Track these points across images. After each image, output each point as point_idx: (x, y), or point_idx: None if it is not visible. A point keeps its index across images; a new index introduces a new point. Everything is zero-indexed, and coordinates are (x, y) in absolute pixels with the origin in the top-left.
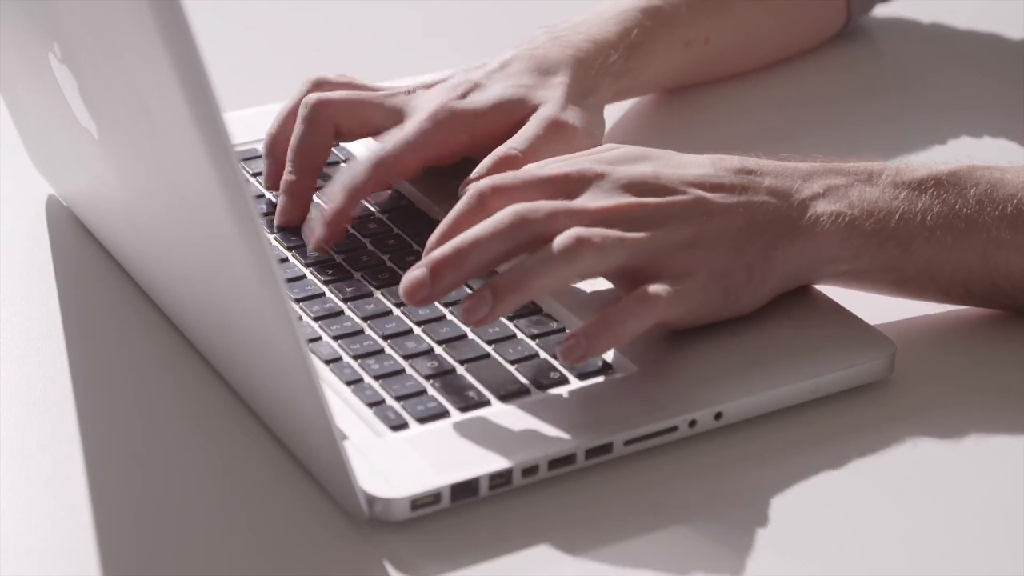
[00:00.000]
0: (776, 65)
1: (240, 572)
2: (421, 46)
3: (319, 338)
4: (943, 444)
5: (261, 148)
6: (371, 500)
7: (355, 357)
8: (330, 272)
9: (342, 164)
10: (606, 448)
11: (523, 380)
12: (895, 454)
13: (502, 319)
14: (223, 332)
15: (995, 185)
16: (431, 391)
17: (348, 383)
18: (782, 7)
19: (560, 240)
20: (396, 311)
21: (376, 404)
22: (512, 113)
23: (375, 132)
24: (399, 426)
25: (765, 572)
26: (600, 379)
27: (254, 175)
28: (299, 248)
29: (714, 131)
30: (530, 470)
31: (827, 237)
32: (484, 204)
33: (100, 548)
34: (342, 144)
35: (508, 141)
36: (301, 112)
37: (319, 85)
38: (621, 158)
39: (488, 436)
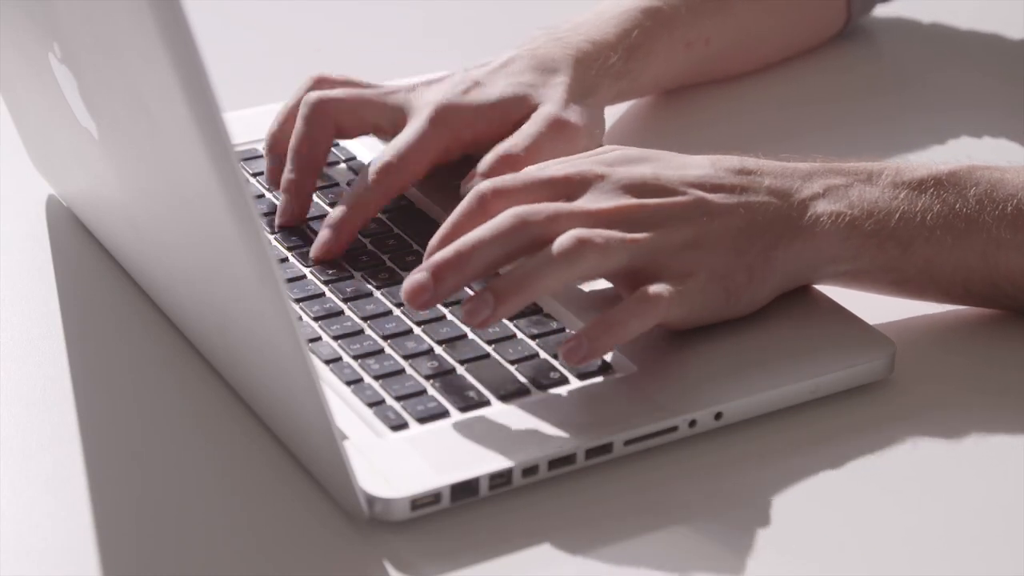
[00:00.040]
0: (776, 65)
1: (240, 572)
2: (421, 46)
3: (319, 338)
4: (943, 444)
5: (262, 147)
6: (371, 500)
7: (355, 357)
8: (330, 272)
9: (341, 164)
10: (606, 448)
11: (523, 380)
12: (895, 454)
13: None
14: (223, 332)
15: (995, 185)
16: (431, 391)
17: (348, 383)
18: (782, 7)
19: (561, 241)
20: (396, 311)
21: (376, 404)
22: (513, 111)
23: (376, 131)
24: (399, 426)
25: (765, 572)
26: (600, 379)
27: (254, 175)
28: (299, 248)
29: (714, 131)
30: (530, 470)
31: (827, 237)
32: (485, 206)
33: (100, 548)
34: (342, 143)
35: (509, 138)
36: (302, 111)
37: (320, 83)
38: (621, 159)
39: (488, 436)
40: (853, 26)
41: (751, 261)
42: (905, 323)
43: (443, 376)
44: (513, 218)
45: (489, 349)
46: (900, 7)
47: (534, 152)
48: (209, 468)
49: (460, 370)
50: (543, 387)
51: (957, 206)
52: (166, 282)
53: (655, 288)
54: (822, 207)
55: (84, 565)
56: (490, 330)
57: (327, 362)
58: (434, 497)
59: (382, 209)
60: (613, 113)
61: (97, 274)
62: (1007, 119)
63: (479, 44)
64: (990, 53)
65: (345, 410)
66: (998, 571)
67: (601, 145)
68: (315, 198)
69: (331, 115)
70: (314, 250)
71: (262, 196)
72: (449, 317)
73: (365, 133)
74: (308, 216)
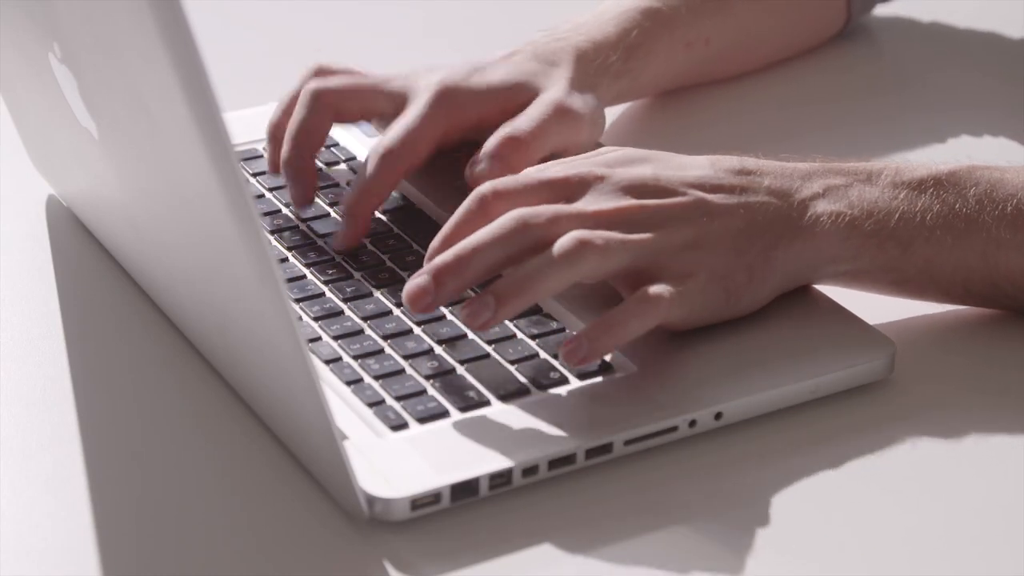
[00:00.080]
0: (776, 65)
1: (240, 572)
2: (421, 46)
3: (319, 338)
4: (943, 444)
5: (265, 138)
6: (371, 500)
7: (355, 357)
8: (330, 272)
9: (342, 164)
10: (606, 448)
11: (523, 380)
12: (895, 454)
13: None
14: (223, 332)
15: (995, 185)
16: (431, 391)
17: (348, 383)
18: (782, 7)
19: (562, 243)
20: (396, 311)
21: (376, 404)
22: (516, 96)
23: (377, 116)
24: (399, 426)
25: (765, 572)
26: (600, 379)
27: (254, 175)
28: (299, 248)
29: (714, 131)
30: (530, 470)
31: (827, 237)
32: (485, 208)
33: (100, 548)
34: (341, 143)
35: (513, 120)
36: (301, 98)
37: (320, 72)
38: (620, 160)
39: (488, 436)
40: (853, 26)
41: (751, 261)
42: (905, 323)
43: (443, 376)
44: (513, 220)
45: (489, 349)
46: (900, 6)
47: (539, 135)
48: (209, 468)
49: (460, 370)
50: (543, 387)
51: (957, 206)
52: (166, 282)
53: (655, 289)
54: (822, 207)
55: (84, 565)
56: (490, 330)
57: (327, 362)
58: (434, 497)
59: (388, 195)
60: (613, 113)
61: (97, 274)
62: (1007, 119)
63: (479, 44)
64: (990, 53)
65: (345, 410)
66: (998, 571)
67: (602, 139)
68: (317, 199)
69: (331, 103)
70: (335, 242)
71: (262, 196)
72: (449, 317)
73: (366, 118)
74: (308, 217)
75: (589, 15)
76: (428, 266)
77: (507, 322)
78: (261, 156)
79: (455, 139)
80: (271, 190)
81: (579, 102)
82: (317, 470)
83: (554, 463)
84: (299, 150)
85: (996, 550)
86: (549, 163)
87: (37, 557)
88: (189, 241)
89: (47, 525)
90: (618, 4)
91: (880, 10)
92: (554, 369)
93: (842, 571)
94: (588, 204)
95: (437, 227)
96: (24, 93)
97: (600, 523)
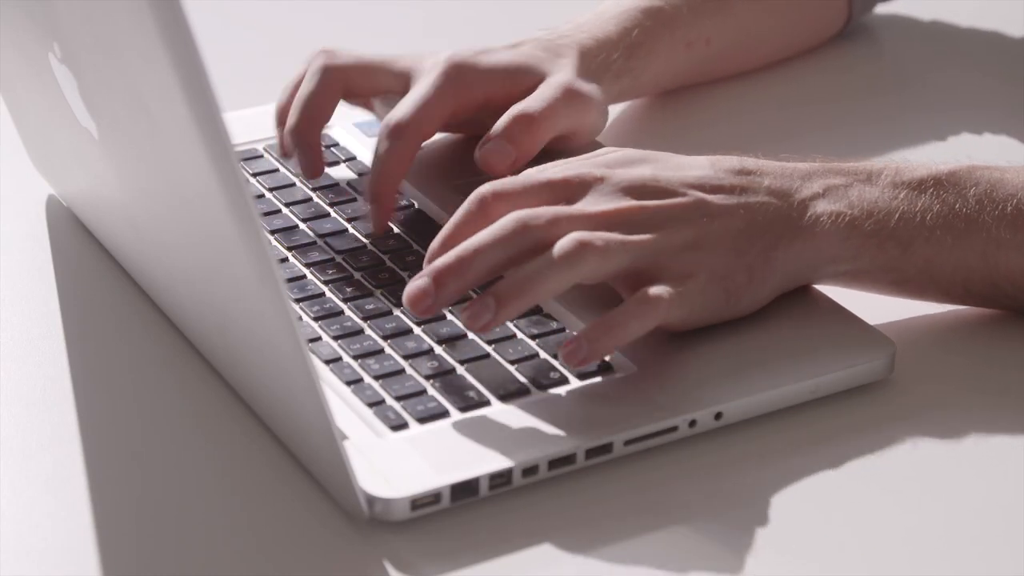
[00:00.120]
0: (776, 65)
1: (240, 572)
2: (421, 46)
3: (319, 338)
4: (943, 444)
5: (274, 117)
6: (371, 500)
7: (355, 357)
8: (330, 272)
9: (342, 164)
10: (606, 448)
11: (523, 380)
12: (895, 454)
13: None
14: (223, 332)
15: (995, 185)
16: (431, 391)
17: (348, 383)
18: (782, 7)
19: (562, 245)
20: (396, 311)
21: (376, 404)
22: (523, 78)
23: (383, 93)
24: (399, 426)
25: (765, 572)
26: (600, 379)
27: (254, 175)
28: (299, 248)
29: (714, 131)
30: (530, 470)
31: (827, 237)
32: (485, 209)
33: (100, 548)
34: (341, 144)
35: (524, 101)
36: (309, 74)
37: (326, 52)
38: (620, 161)
39: (488, 436)
40: (854, 25)
41: (751, 262)
42: (905, 323)
43: (443, 376)
44: (514, 222)
45: (489, 349)
46: (900, 5)
47: (549, 115)
48: (209, 468)
49: (460, 370)
50: (543, 387)
51: (957, 206)
52: (166, 282)
53: (655, 290)
54: (822, 207)
55: (84, 565)
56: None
57: (327, 362)
58: (434, 497)
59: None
60: (613, 112)
61: (97, 274)
62: (1007, 119)
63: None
64: (990, 52)
65: (345, 410)
66: (998, 571)
67: (601, 139)
68: (316, 199)
69: (339, 78)
70: (370, 228)
71: (262, 196)
72: (449, 317)
73: (374, 94)
74: (308, 217)
75: (590, 14)
76: (428, 268)
77: (507, 322)
78: (261, 156)
79: (460, 119)
80: (271, 190)
81: (587, 86)
82: (317, 470)
83: (554, 463)
84: (307, 122)
85: (996, 550)
86: (548, 164)
87: (37, 557)
88: (189, 241)
89: (47, 525)
90: (619, 3)
91: (880, 9)
92: (554, 369)
93: (842, 571)
94: (588, 205)
95: (437, 227)
96: (24, 93)
97: (600, 523)
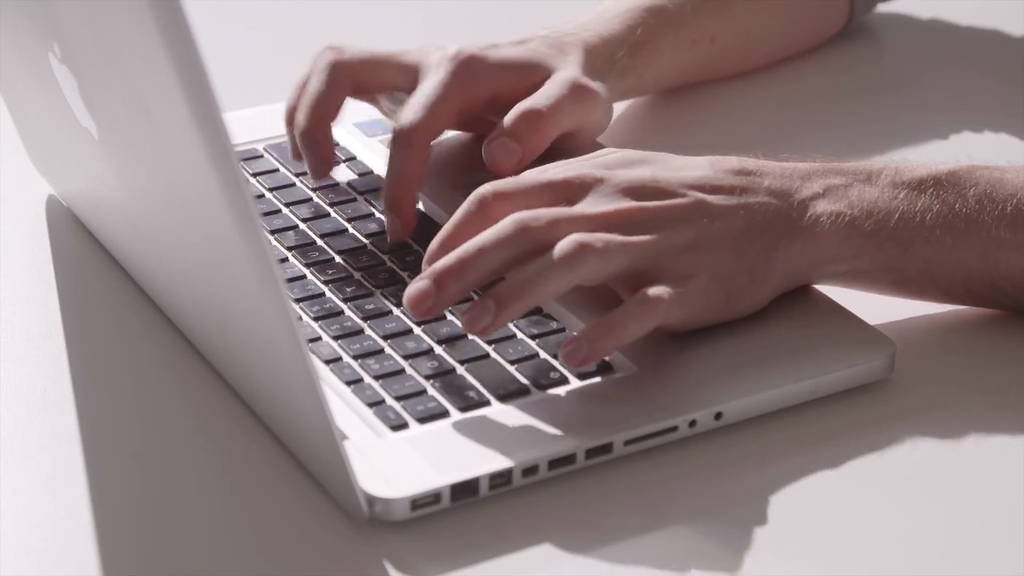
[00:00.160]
0: (776, 65)
1: (240, 572)
2: None
3: (319, 338)
4: (943, 444)
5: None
6: (371, 500)
7: (355, 357)
8: (330, 272)
9: (342, 164)
10: (606, 448)
11: (523, 380)
12: (895, 454)
13: None
14: (223, 332)
15: (995, 185)
16: (431, 391)
17: (348, 383)
18: (782, 7)
19: (562, 246)
20: (396, 311)
21: (376, 404)
22: (530, 74)
23: (391, 89)
24: (399, 426)
25: (765, 572)
26: (600, 379)
27: (254, 175)
28: (299, 248)
29: (714, 131)
30: (530, 470)
31: (827, 237)
32: (485, 210)
33: (100, 548)
34: (342, 144)
35: (531, 97)
36: (316, 71)
37: (333, 49)
38: (620, 162)
39: (488, 436)
40: (856, 24)
41: (752, 262)
42: (905, 323)
43: (443, 376)
44: (514, 224)
45: (489, 349)
46: (900, 4)
47: (555, 111)
48: (209, 468)
49: (460, 370)
50: (543, 387)
51: (957, 206)
52: (166, 282)
53: (655, 290)
54: (822, 207)
55: (84, 565)
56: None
57: (327, 362)
58: (434, 497)
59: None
60: (614, 111)
61: (97, 274)
62: (1007, 118)
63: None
64: (990, 52)
65: (345, 410)
66: (998, 571)
67: (602, 138)
68: (316, 199)
69: (347, 75)
70: (389, 235)
71: (262, 196)
72: (449, 317)
73: (382, 90)
74: (308, 217)
75: (591, 14)
76: (429, 270)
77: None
78: (261, 156)
79: (467, 115)
80: (271, 190)
81: (594, 83)
82: (317, 470)
83: (554, 463)
84: (316, 121)
85: (996, 550)
86: (549, 165)
87: (37, 557)
88: (189, 241)
89: (47, 525)
90: (621, 2)
91: (881, 8)
92: (554, 369)
93: (842, 571)
94: (588, 206)
95: (437, 227)
96: (24, 93)
97: (600, 523)
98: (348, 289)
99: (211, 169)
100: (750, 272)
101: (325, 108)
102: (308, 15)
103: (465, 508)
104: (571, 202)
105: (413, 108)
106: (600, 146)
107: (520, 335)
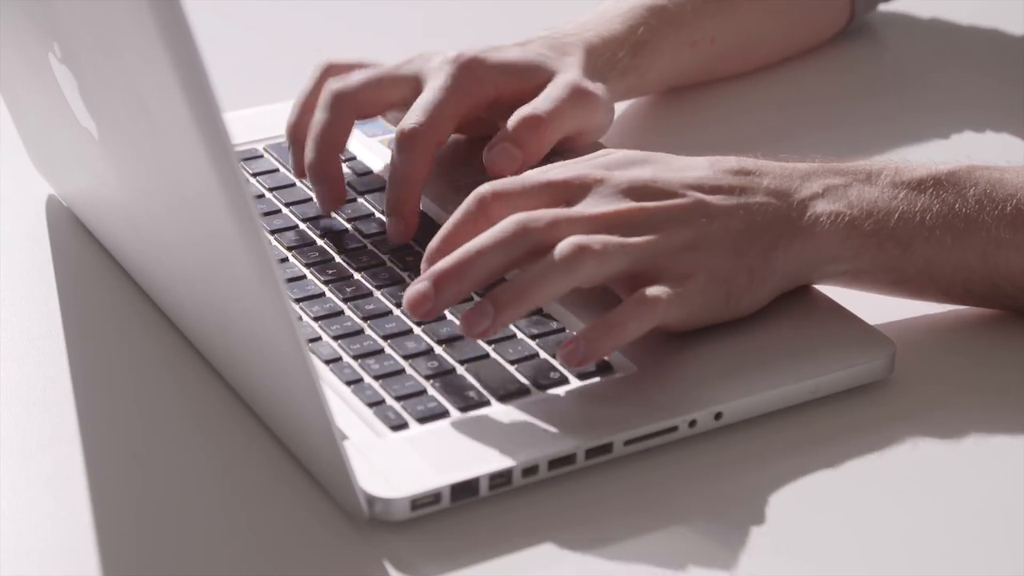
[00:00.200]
0: (776, 65)
1: (240, 572)
2: (421, 46)
3: (319, 338)
4: (943, 444)
5: (285, 135)
6: (371, 500)
7: (355, 357)
8: (330, 272)
9: (343, 164)
10: (606, 448)
11: (523, 380)
12: (895, 454)
13: None
14: (223, 332)
15: (994, 185)
16: (431, 391)
17: (348, 383)
18: (783, 7)
19: (560, 249)
20: (396, 311)
21: (376, 404)
22: (532, 76)
23: (395, 106)
24: (399, 426)
25: (764, 572)
26: (600, 379)
27: (254, 175)
28: (299, 248)
29: (714, 131)
30: (530, 470)
31: (827, 237)
32: (484, 210)
33: (100, 548)
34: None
35: (532, 102)
36: (322, 101)
37: (332, 70)
38: (619, 162)
39: (488, 436)
40: (857, 24)
41: (751, 263)
42: (905, 323)
43: (443, 376)
44: (513, 225)
45: (489, 349)
46: (900, 4)
47: (556, 116)
48: (209, 468)
49: (460, 370)
50: (543, 387)
51: (956, 206)
52: (166, 282)
53: (653, 290)
54: (821, 207)
55: (84, 565)
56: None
57: (327, 362)
58: (434, 497)
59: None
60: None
61: (97, 274)
62: (1007, 118)
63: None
64: (990, 52)
65: (345, 410)
66: (998, 571)
67: (603, 138)
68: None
69: (352, 104)
70: (389, 238)
71: (262, 196)
72: (449, 317)
73: (387, 110)
74: (308, 217)
75: (592, 14)
76: (428, 272)
77: None
78: (261, 156)
79: (471, 118)
80: (271, 190)
81: (595, 86)
82: (317, 470)
83: (554, 463)
84: (324, 154)
85: (996, 550)
86: (548, 166)
87: (37, 557)
88: (189, 241)
89: (47, 525)
90: (621, 2)
91: (881, 7)
92: (554, 369)
93: (841, 571)
94: (587, 207)
95: (437, 227)
96: (24, 93)
97: (600, 523)
98: (348, 289)
99: (211, 169)
100: (750, 272)
101: (332, 141)
102: (308, 15)
103: (465, 508)
104: (571, 203)
105: (416, 112)
106: (601, 146)
107: (520, 335)
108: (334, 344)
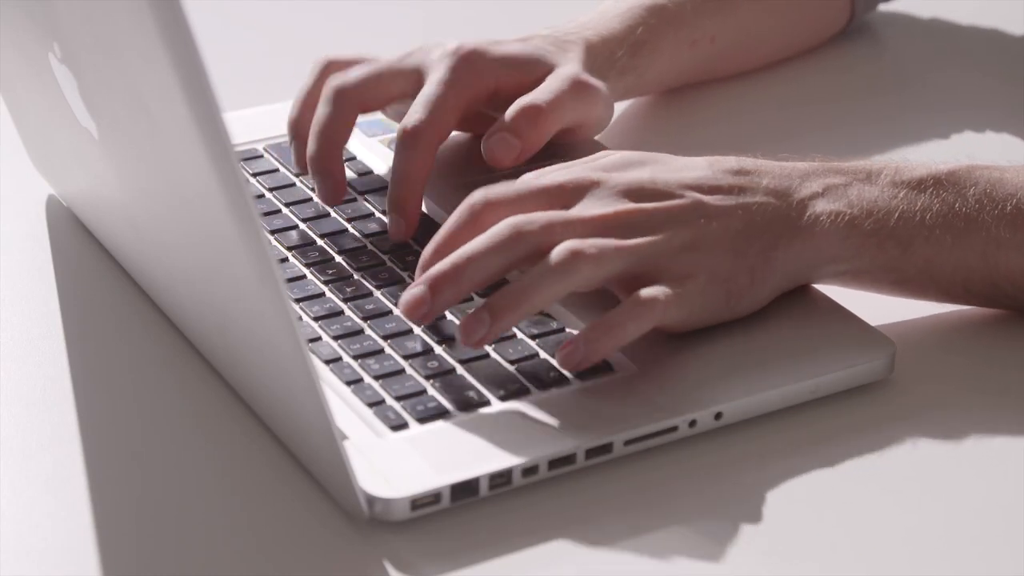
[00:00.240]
0: (776, 65)
1: (240, 572)
2: None
3: (319, 338)
4: (943, 444)
5: (287, 131)
6: (371, 500)
7: (355, 357)
8: (330, 272)
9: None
10: (606, 448)
11: (523, 380)
12: (895, 454)
13: None
14: (223, 332)
15: (994, 184)
16: (431, 391)
17: (348, 383)
18: (783, 7)
19: (556, 254)
20: (396, 311)
21: (376, 404)
22: (532, 68)
23: (396, 99)
24: (399, 426)
25: (765, 572)
26: (600, 379)
27: (254, 175)
28: (299, 248)
29: (714, 131)
30: (530, 470)
31: (826, 236)
32: (478, 217)
33: (100, 548)
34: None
35: (532, 92)
36: (324, 96)
37: (333, 66)
38: (617, 164)
39: (488, 436)
40: (857, 24)
41: (751, 262)
42: (905, 323)
43: (443, 376)
44: (509, 229)
45: (489, 349)
46: (900, 4)
47: (555, 106)
48: (209, 468)
49: (460, 370)
50: (543, 387)
51: (956, 205)
52: (166, 282)
53: (651, 291)
54: (821, 206)
55: (84, 565)
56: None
57: (327, 362)
58: (434, 497)
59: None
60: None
61: (97, 274)
62: (1007, 118)
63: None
64: (990, 52)
65: (345, 410)
66: (998, 571)
67: (602, 138)
68: (316, 199)
69: (353, 100)
70: (390, 236)
71: (262, 196)
72: (449, 317)
73: (389, 104)
74: (308, 217)
75: (592, 13)
76: (424, 276)
77: None
78: (261, 156)
79: (472, 112)
80: (271, 190)
81: (595, 80)
82: (317, 470)
83: (554, 463)
84: (326, 148)
85: (996, 550)
86: (544, 169)
87: (37, 557)
88: (189, 241)
89: (47, 525)
90: (621, 2)
91: (881, 7)
92: (554, 369)
93: (841, 571)
94: (584, 210)
95: (437, 227)
96: (24, 93)
97: (600, 523)
98: (348, 289)
99: (211, 169)
100: (750, 272)
101: (334, 136)
102: (308, 15)
103: (465, 508)
104: (567, 206)
105: (417, 109)
106: (600, 146)
107: (520, 335)
108: (334, 344)
